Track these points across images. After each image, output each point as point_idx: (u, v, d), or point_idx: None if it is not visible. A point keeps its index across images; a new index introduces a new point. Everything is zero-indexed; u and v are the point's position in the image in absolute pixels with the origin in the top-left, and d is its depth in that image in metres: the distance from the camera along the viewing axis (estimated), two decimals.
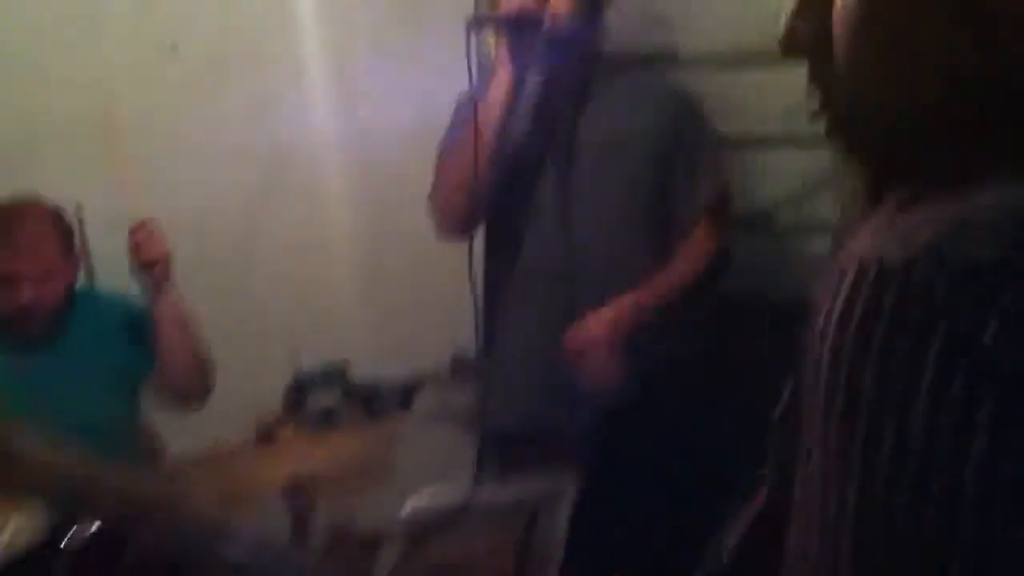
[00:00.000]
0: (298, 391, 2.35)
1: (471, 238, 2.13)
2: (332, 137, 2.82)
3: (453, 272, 2.88)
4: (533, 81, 2.12)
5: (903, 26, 0.72)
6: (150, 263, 2.24)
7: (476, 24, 2.06)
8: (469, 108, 2.05)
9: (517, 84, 2.09)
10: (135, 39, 2.62)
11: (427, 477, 2.50)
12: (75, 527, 1.66)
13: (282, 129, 2.78)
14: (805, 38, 0.80)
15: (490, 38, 2.29)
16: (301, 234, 2.83)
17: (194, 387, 2.37)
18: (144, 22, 2.62)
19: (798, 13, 0.80)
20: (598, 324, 2.05)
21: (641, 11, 2.44)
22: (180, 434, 2.58)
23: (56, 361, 2.29)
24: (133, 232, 2.24)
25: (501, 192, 2.15)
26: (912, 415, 0.64)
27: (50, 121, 2.56)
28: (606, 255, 2.11)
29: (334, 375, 2.43)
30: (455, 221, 2.19)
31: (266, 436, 1.99)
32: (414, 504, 1.84)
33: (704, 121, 2.20)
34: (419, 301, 2.90)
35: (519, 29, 2.04)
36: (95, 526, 1.65)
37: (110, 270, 2.44)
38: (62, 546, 1.64)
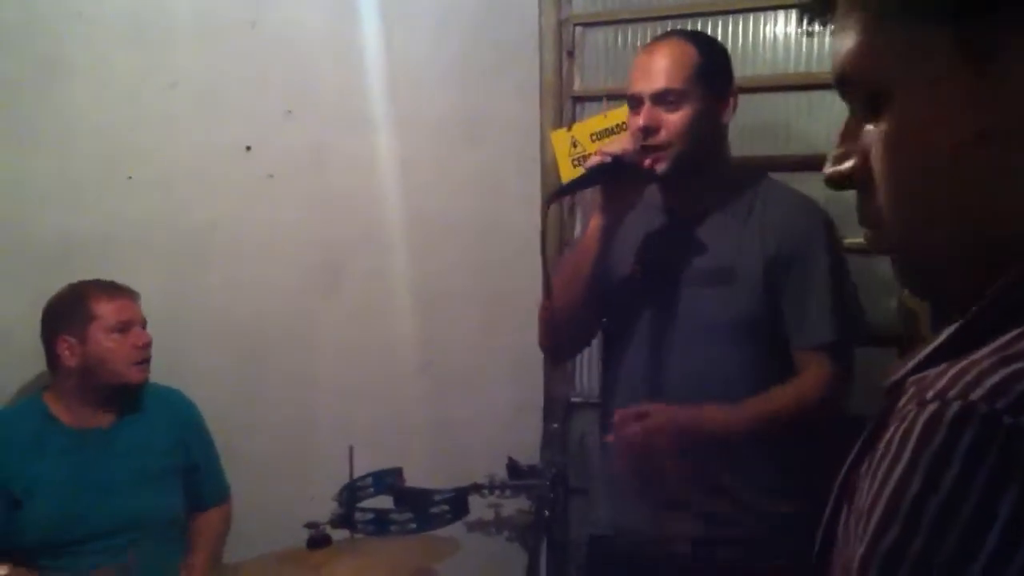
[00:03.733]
0: (351, 495, 2.32)
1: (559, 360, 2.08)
2: (394, 240, 2.86)
3: (511, 378, 2.90)
4: (634, 218, 2.06)
5: (932, 177, 0.72)
6: None
7: (556, 196, 2.03)
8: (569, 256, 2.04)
9: (613, 227, 2.01)
10: (203, 142, 2.70)
11: None
12: None
13: (343, 232, 2.83)
14: (849, 175, 0.79)
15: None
16: (359, 336, 2.85)
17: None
18: (213, 125, 2.71)
19: (839, 151, 0.80)
20: (663, 411, 1.90)
21: (750, 121, 2.45)
22: (232, 537, 2.57)
23: (113, 455, 2.37)
24: None
25: (612, 315, 2.12)
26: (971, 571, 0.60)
27: (125, 218, 2.65)
28: (704, 382, 1.98)
29: (387, 480, 2.40)
30: (550, 352, 2.20)
31: (318, 541, 1.96)
32: None
33: (824, 243, 2.00)
34: (475, 405, 2.89)
35: (615, 172, 1.95)
36: None
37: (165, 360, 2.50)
38: None
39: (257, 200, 2.76)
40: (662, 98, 1.96)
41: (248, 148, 2.73)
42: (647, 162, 1.96)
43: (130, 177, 2.64)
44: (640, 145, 1.97)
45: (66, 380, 2.36)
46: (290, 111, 2.75)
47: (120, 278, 2.45)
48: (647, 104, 1.96)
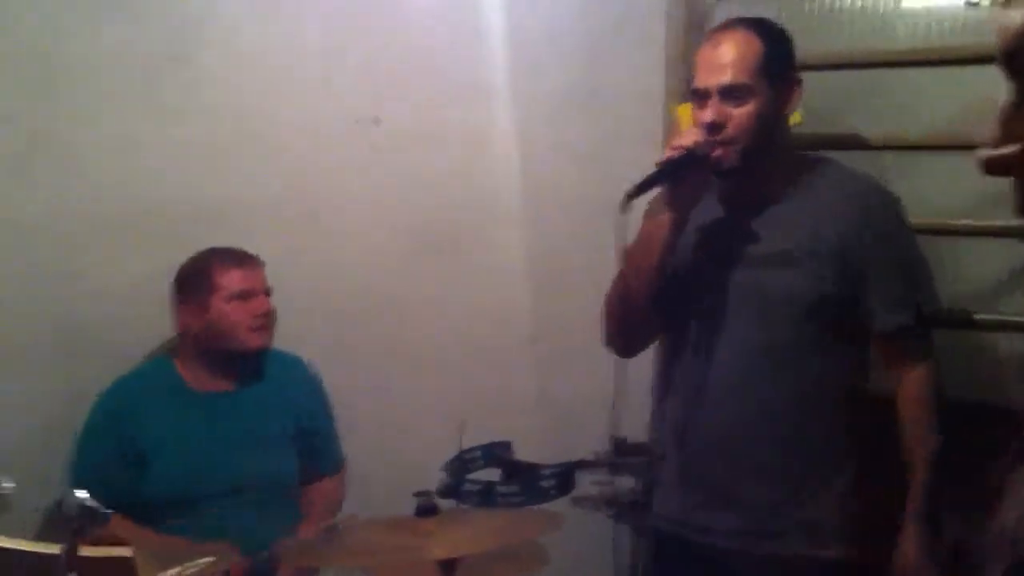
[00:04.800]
0: (459, 466, 2.34)
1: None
2: (507, 214, 2.85)
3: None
4: (702, 208, 2.05)
5: None
6: None
7: (634, 194, 1.99)
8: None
9: (681, 221, 2.01)
10: (325, 113, 2.74)
11: (585, 563, 2.46)
12: None
13: (457, 204, 2.84)
14: (1010, 163, 0.74)
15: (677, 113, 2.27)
16: (469, 309, 2.86)
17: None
18: (335, 96, 2.75)
19: (998, 133, 0.75)
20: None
21: (829, 97, 2.38)
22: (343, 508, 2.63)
23: (235, 417, 2.46)
24: None
25: (678, 303, 2.10)
26: None
27: (252, 185, 2.72)
28: (767, 368, 1.99)
29: (495, 452, 2.41)
30: (615, 347, 2.20)
31: (426, 509, 1.98)
32: None
33: (899, 225, 2.03)
34: (585, 381, 2.87)
35: (687, 166, 1.95)
36: None
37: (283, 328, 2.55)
38: None
39: (373, 171, 2.80)
40: (729, 93, 1.94)
41: (366, 120, 2.76)
42: (715, 154, 1.95)
43: (255, 147, 2.71)
44: (706, 139, 1.96)
45: (191, 345, 2.45)
46: (409, 83, 2.77)
47: (247, 244, 2.51)
48: (714, 98, 1.95)
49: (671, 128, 2.68)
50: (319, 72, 2.74)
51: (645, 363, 2.81)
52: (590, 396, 2.84)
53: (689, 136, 1.98)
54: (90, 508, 0.93)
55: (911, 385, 1.96)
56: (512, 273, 2.87)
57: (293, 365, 2.58)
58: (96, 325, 2.63)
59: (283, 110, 2.72)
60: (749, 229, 2.03)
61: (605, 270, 2.86)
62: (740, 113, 1.94)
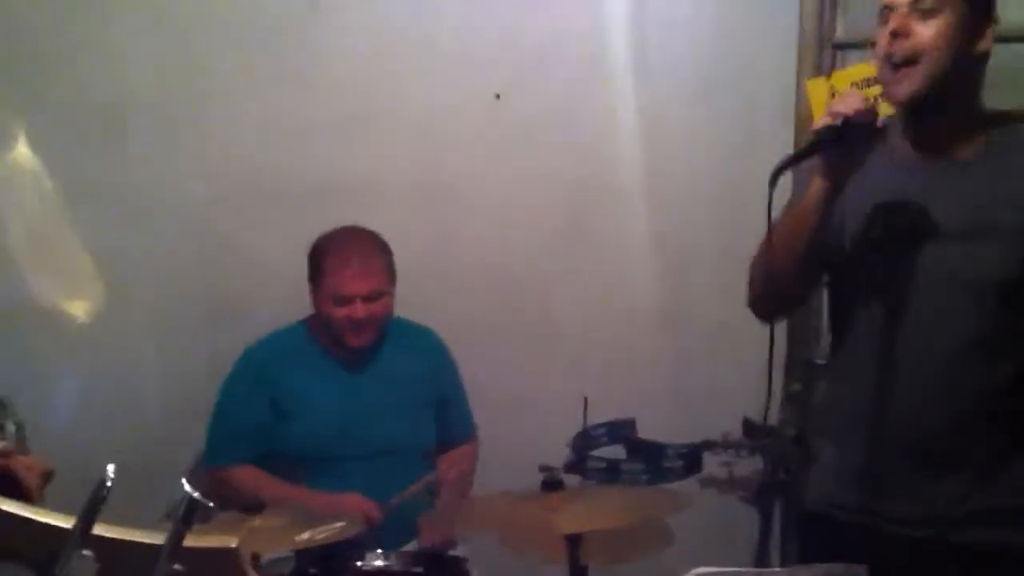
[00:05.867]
0: (584, 443, 2.35)
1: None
2: (639, 192, 2.84)
3: (752, 335, 2.82)
4: (867, 168, 1.85)
5: None
6: None
7: (785, 166, 1.80)
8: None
9: (838, 190, 1.82)
10: (457, 90, 2.78)
11: (711, 545, 2.43)
12: None
13: (588, 183, 2.84)
14: None
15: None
16: (599, 286, 2.86)
17: None
18: (467, 73, 2.78)
19: None
20: None
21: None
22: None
23: (373, 382, 2.53)
24: None
25: (841, 276, 1.97)
26: None
27: (384, 161, 2.78)
28: (947, 344, 1.82)
29: (621, 430, 2.41)
30: (757, 311, 2.06)
31: (552, 484, 2.00)
32: (698, 572, 1.76)
33: None
34: (713, 360, 2.84)
35: (845, 135, 1.77)
36: None
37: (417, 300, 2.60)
38: None
39: (504, 149, 2.82)
40: (917, 5, 1.76)
41: (497, 96, 2.78)
42: (892, 85, 1.77)
43: (388, 123, 2.76)
44: (885, 64, 1.78)
45: (318, 316, 2.52)
46: (544, 61, 2.77)
47: (377, 219, 2.56)
48: (900, 10, 1.77)
49: (804, 105, 2.62)
50: (456, 47, 2.77)
51: (779, 342, 2.75)
52: (718, 375, 2.82)
53: (847, 101, 1.80)
54: (196, 500, 0.94)
55: None
56: (642, 250, 2.85)
57: (425, 336, 2.63)
58: (242, 297, 2.74)
59: (420, 85, 2.76)
60: (939, 196, 1.83)
61: (735, 247, 2.81)
62: (927, 29, 1.76)
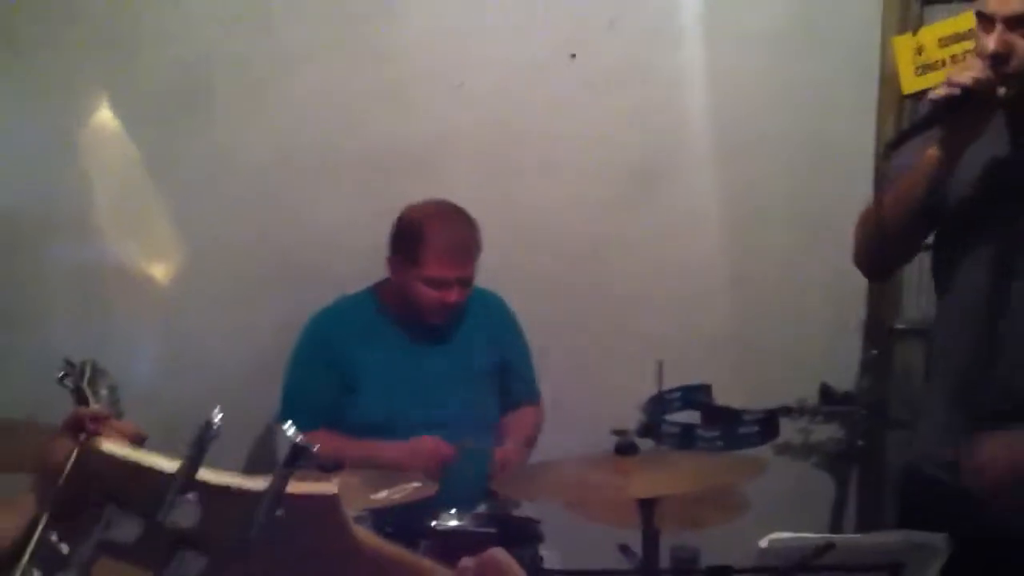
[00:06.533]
0: (658, 407, 2.33)
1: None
2: (711, 153, 2.79)
3: (829, 298, 2.77)
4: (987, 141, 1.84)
5: None
6: None
7: (900, 140, 1.82)
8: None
9: (954, 160, 1.81)
10: (528, 51, 2.76)
11: (786, 512, 2.41)
12: None
13: (659, 144, 2.80)
14: None
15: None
16: (670, 249, 2.83)
17: None
18: (538, 34, 2.76)
19: None
20: None
21: None
22: (542, 437, 2.67)
23: (439, 354, 2.52)
24: None
25: (949, 238, 1.96)
26: None
27: (452, 126, 2.77)
28: None
29: (695, 395, 2.38)
30: (864, 270, 2.06)
31: (626, 448, 1.99)
32: (773, 539, 1.75)
33: None
34: (787, 325, 2.80)
35: (964, 105, 1.74)
36: None
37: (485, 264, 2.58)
38: None
39: (576, 109, 2.79)
40: (1019, 22, 1.72)
41: (573, 56, 2.75)
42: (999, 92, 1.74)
43: (460, 85, 2.75)
44: (988, 67, 1.74)
45: (392, 287, 2.52)
46: (613, 21, 2.73)
47: (443, 184, 2.56)
48: (1000, 27, 1.73)
49: (889, 63, 2.54)
50: (523, 5, 2.75)
51: (857, 307, 2.70)
52: (793, 340, 2.78)
53: (968, 71, 1.77)
54: (300, 445, 0.95)
55: None
56: (715, 212, 2.81)
57: (493, 302, 2.62)
58: (312, 263, 2.77)
59: (488, 46, 2.74)
60: None
61: (811, 209, 2.77)
62: None
